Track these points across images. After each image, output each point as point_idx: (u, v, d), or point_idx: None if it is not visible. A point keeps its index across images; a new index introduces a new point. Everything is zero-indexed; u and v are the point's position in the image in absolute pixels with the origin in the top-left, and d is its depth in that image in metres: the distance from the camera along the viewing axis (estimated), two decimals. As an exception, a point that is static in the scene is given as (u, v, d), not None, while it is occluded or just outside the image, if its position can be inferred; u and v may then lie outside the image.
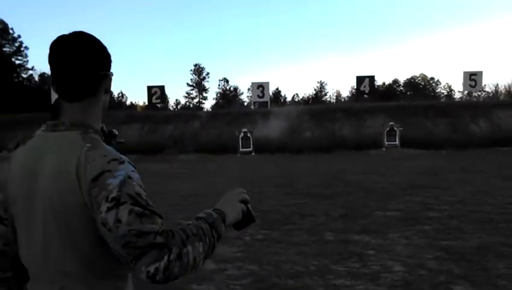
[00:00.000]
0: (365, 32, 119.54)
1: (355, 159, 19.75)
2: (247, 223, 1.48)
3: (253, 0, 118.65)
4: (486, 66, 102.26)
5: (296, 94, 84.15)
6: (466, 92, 31.17)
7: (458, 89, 56.40)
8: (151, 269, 1.15)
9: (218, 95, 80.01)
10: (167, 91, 78.58)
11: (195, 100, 79.68)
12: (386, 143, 23.14)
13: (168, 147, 24.51)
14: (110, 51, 1.39)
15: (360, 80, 29.36)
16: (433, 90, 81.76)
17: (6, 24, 50.60)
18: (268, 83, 29.84)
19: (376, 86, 71.69)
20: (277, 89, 77.52)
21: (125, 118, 27.30)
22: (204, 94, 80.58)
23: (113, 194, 1.17)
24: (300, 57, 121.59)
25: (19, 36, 52.05)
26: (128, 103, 72.83)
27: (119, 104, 65.67)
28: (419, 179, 12.46)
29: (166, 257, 1.16)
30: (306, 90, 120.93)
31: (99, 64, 1.34)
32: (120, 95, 77.38)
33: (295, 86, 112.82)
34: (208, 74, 79.64)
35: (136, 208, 1.17)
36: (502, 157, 18.73)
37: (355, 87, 30.59)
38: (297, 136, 24.42)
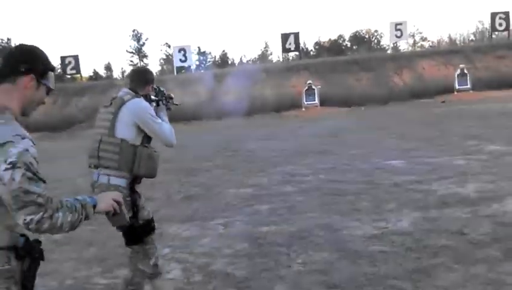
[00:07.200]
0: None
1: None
2: (120, 221, 2.03)
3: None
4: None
5: (244, 55, 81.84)
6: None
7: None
8: (28, 218, 1.60)
9: (162, 61, 77.26)
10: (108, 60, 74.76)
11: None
12: (305, 103, 22.40)
13: (78, 122, 22.71)
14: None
15: (285, 36, 28.27)
16: (378, 42, 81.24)
17: None
18: (189, 46, 28.64)
19: (322, 43, 70.94)
20: (223, 51, 75.12)
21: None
22: (145, 61, 77.71)
23: (12, 159, 1.61)
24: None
25: None
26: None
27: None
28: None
29: (41, 213, 1.62)
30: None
31: (21, 62, 1.78)
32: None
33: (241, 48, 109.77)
34: (147, 39, 76.37)
35: (28, 173, 1.61)
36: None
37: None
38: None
